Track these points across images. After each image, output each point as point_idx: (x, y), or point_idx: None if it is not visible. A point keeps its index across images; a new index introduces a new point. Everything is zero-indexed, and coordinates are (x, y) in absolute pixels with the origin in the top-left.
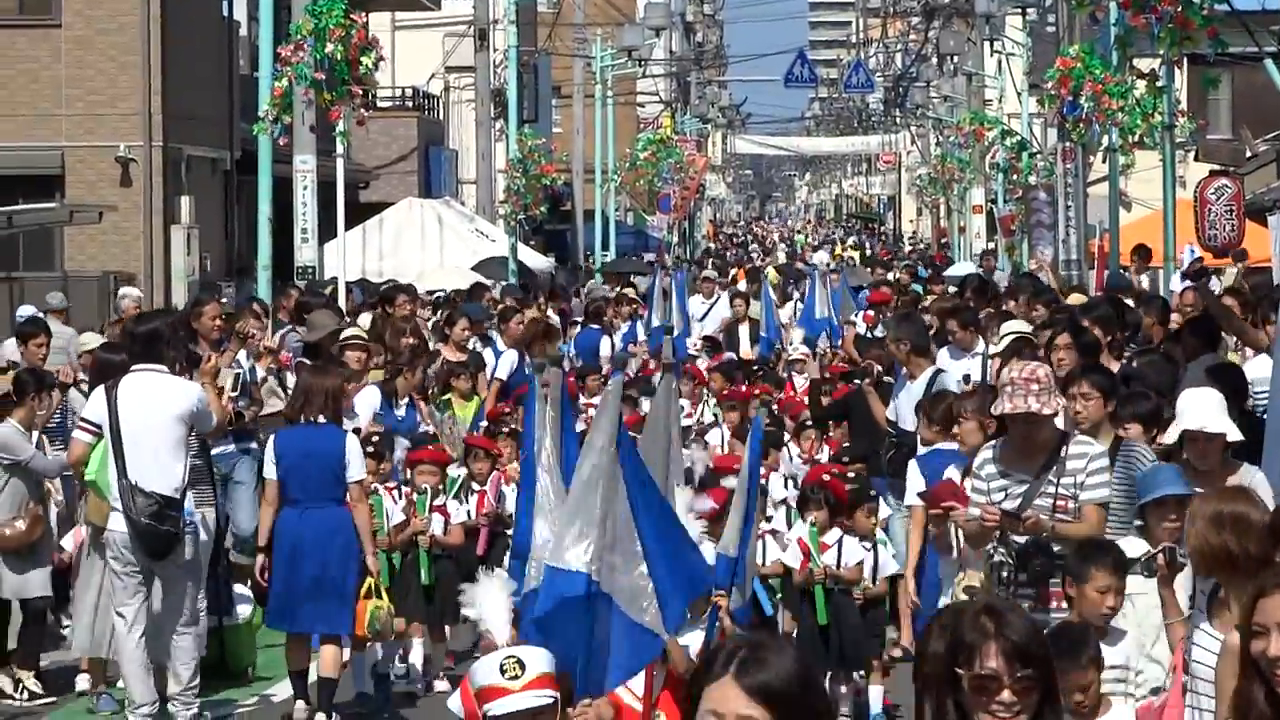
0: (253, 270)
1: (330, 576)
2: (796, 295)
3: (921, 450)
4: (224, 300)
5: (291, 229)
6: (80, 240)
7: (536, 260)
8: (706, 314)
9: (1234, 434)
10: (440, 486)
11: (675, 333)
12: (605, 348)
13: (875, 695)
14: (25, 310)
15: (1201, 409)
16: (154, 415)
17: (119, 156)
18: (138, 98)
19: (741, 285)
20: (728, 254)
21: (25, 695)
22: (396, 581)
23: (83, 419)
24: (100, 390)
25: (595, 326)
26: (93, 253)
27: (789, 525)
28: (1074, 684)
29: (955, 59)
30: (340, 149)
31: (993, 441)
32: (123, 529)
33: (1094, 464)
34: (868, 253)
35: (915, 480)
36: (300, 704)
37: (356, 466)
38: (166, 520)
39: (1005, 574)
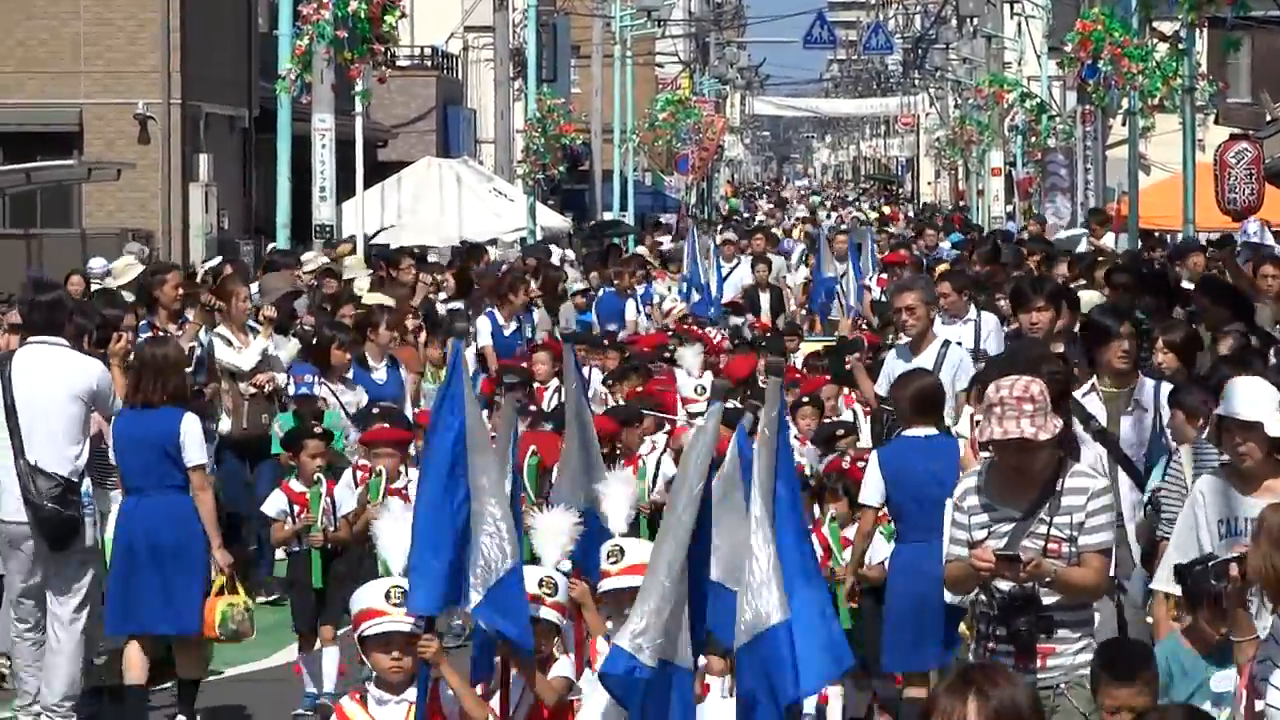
0: (271, 228)
1: (174, 571)
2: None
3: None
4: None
5: (310, 187)
6: (98, 197)
7: (554, 220)
8: (726, 278)
9: (1276, 427)
10: (401, 468)
11: (697, 293)
12: (630, 312)
13: None
14: (96, 264)
15: (1241, 395)
16: (51, 391)
17: (137, 114)
18: (157, 55)
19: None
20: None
21: None
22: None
23: None
24: None
25: (612, 289)
26: (111, 210)
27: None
28: (1121, 702)
29: (975, 21)
30: (359, 108)
31: (976, 468)
32: (18, 518)
33: (1095, 502)
34: (876, 214)
35: (873, 475)
36: None
37: (194, 450)
38: (69, 505)
39: (985, 626)
